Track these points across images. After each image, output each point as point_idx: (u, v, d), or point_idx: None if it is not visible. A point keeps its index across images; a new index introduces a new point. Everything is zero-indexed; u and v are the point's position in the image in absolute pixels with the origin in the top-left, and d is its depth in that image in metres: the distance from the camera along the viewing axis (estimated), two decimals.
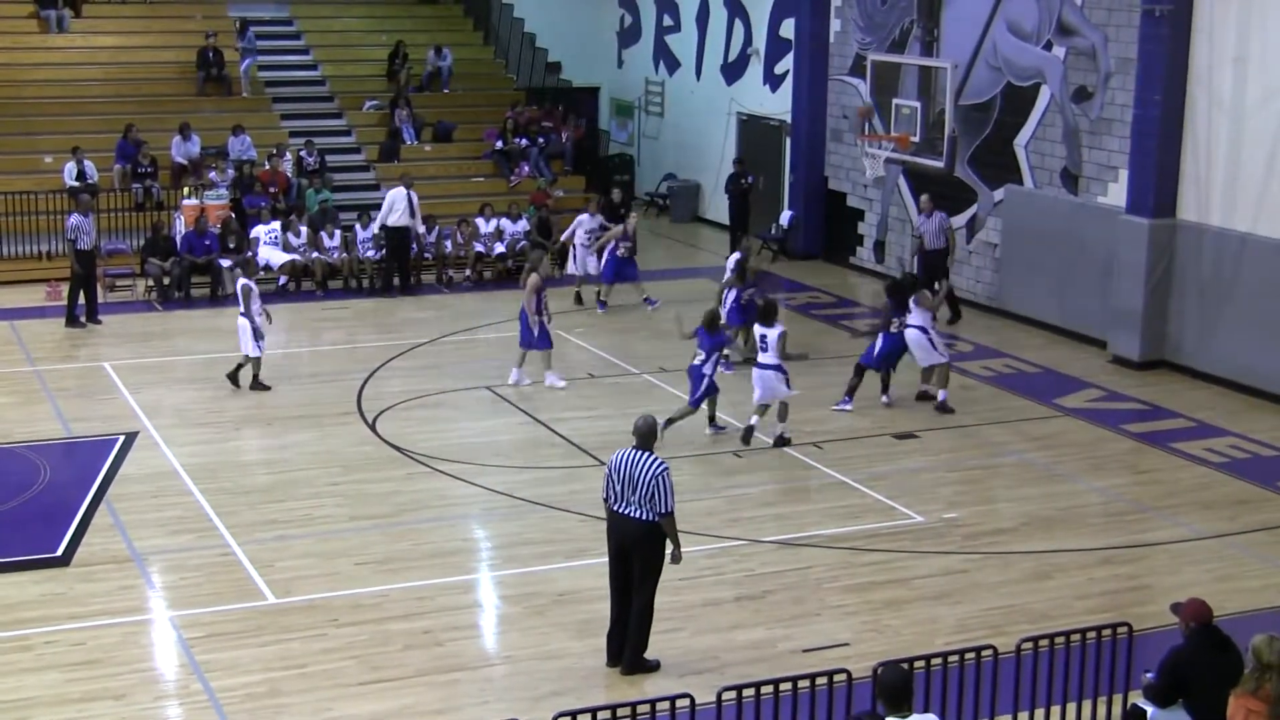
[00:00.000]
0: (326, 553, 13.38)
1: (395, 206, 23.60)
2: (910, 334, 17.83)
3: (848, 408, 17.71)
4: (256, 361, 18.22)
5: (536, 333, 18.44)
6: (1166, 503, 15.08)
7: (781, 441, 16.48)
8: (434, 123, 28.71)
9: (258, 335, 18.07)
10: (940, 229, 22.15)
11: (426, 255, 24.58)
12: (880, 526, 14.23)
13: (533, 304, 18.31)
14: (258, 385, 18.23)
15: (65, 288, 21.58)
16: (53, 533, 13.64)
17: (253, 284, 18.19)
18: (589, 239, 23.21)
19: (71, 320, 21.20)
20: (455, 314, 22.70)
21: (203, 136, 26.23)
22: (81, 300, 21.23)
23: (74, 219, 21.15)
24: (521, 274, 19.48)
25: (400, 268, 23.86)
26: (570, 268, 23.66)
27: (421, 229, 24.20)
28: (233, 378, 18.28)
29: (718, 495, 14.98)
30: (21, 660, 11.23)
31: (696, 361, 16.59)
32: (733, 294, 19.58)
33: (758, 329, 16.65)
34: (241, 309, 18.10)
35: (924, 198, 22.40)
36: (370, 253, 24.25)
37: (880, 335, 17.86)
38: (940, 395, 17.89)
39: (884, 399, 18.03)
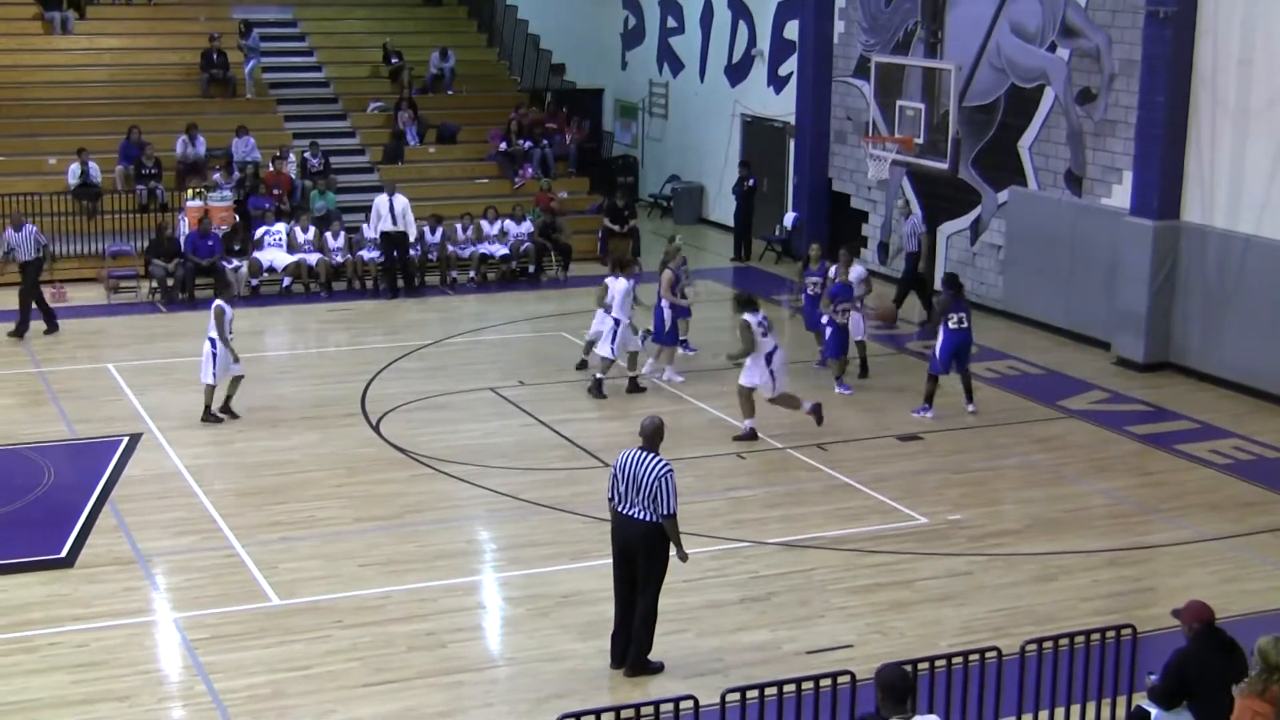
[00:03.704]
0: (330, 554, 13.38)
1: (379, 213, 23.56)
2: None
3: (928, 415, 17.56)
4: (211, 390, 17.01)
5: (667, 327, 18.77)
6: (1171, 505, 15.06)
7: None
8: (438, 124, 28.72)
9: (214, 361, 16.79)
10: (912, 233, 22.71)
11: (430, 257, 24.58)
12: (884, 528, 14.22)
13: (669, 296, 18.67)
14: (210, 417, 16.99)
15: (67, 290, 21.53)
16: (57, 534, 13.64)
17: (226, 306, 17.00)
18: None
19: (23, 329, 20.68)
20: (459, 316, 22.72)
21: (207, 138, 26.25)
22: (35, 309, 20.70)
23: (7, 233, 20.83)
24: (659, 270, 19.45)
25: (403, 271, 23.87)
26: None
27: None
28: (227, 410, 17.13)
29: (722, 496, 14.98)
30: (26, 662, 11.23)
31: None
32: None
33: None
34: (213, 332, 16.81)
35: (900, 201, 23.04)
36: (364, 253, 24.25)
37: (941, 333, 17.55)
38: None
39: (970, 408, 17.70)
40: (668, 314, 18.85)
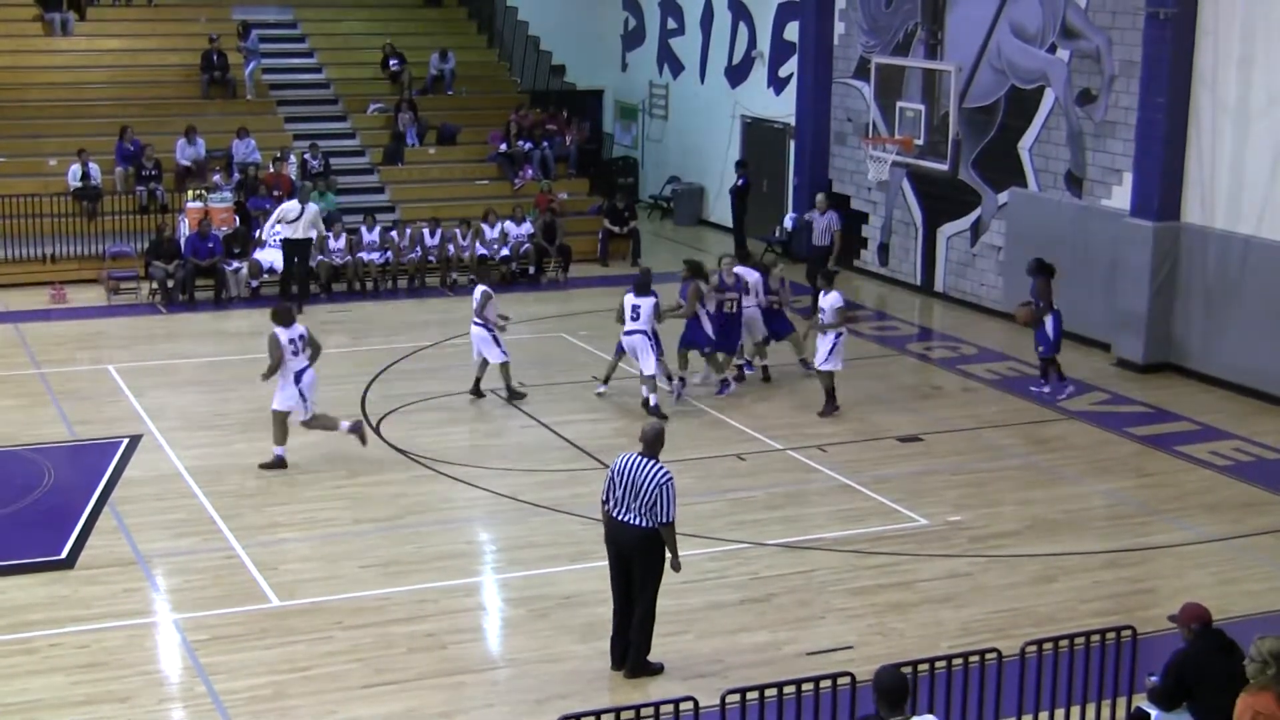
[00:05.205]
0: (330, 556, 13.38)
1: (287, 217, 22.69)
2: (748, 312, 18.53)
3: (1070, 390, 18.67)
4: (505, 367, 17.84)
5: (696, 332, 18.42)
6: (1171, 506, 15.06)
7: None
8: (438, 126, 28.72)
9: (497, 341, 17.72)
10: (827, 229, 23.04)
11: (431, 259, 24.59)
12: (885, 529, 14.22)
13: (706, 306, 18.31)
14: (513, 395, 17.93)
15: (67, 291, 21.49)
16: (57, 535, 13.64)
17: (491, 290, 17.81)
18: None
19: None
20: (459, 317, 22.53)
21: (207, 139, 26.26)
22: None
23: None
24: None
25: (300, 279, 23.01)
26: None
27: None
28: (477, 390, 17.96)
29: (722, 498, 14.98)
30: (26, 663, 11.23)
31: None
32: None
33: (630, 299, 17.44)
34: (477, 316, 17.66)
35: (820, 196, 23.55)
36: (375, 255, 24.31)
37: (1050, 318, 18.41)
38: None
39: (1069, 387, 18.74)
40: (707, 324, 18.20)
